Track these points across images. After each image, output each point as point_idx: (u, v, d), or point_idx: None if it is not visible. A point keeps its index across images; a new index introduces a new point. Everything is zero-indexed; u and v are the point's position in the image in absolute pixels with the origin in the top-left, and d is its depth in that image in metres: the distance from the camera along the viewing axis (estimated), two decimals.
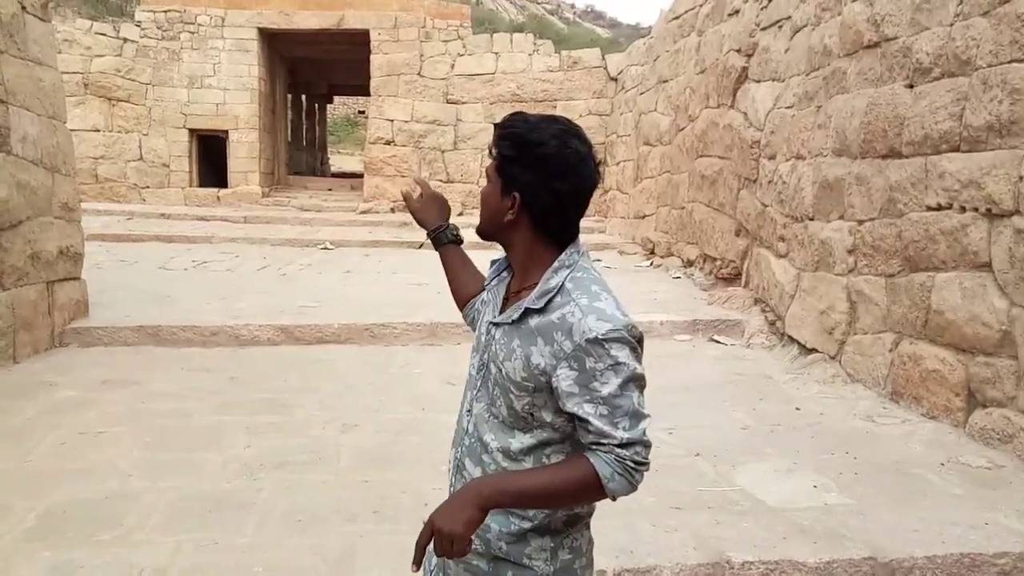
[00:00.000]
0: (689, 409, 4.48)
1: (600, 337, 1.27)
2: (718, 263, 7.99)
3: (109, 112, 15.12)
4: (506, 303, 1.46)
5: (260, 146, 15.67)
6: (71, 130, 14.83)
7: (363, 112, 29.14)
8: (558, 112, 15.49)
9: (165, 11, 15.08)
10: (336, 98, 32.36)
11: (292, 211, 15.15)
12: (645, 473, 1.31)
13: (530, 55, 15.48)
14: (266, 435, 3.87)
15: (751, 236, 7.19)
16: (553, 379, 1.31)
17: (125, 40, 15.10)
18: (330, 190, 17.76)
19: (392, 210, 15.16)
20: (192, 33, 15.13)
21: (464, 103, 15.43)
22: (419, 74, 15.38)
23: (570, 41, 16.18)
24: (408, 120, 15.36)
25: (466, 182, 15.52)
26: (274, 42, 16.19)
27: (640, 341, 1.33)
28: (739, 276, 7.54)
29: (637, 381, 1.31)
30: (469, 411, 1.48)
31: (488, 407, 1.43)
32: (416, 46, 15.34)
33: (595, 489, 1.29)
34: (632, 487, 1.30)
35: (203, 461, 3.49)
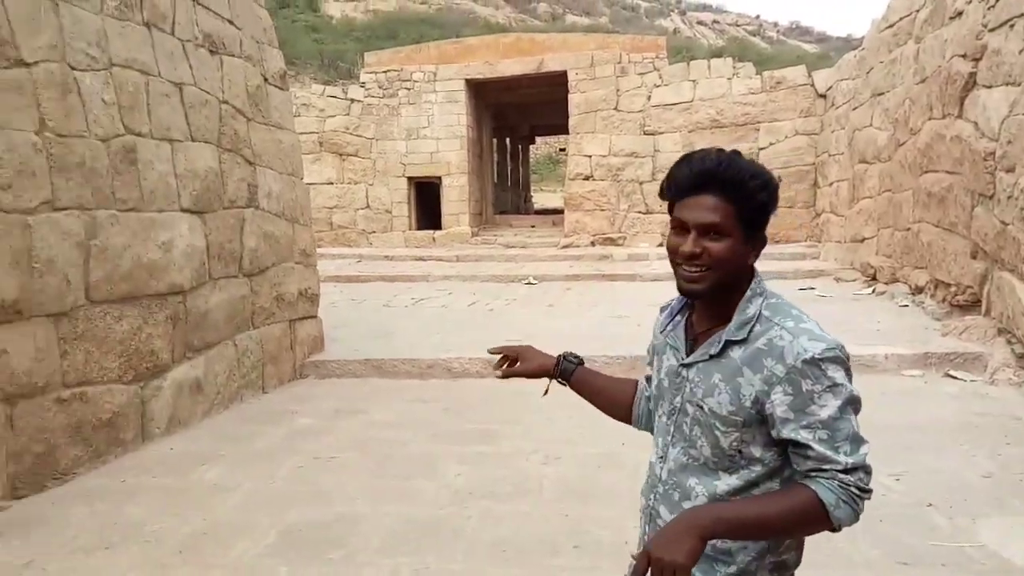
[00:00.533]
0: (920, 453, 4.06)
1: (816, 357, 1.24)
2: (952, 289, 7.19)
3: (340, 166, 16.84)
4: (695, 343, 1.42)
5: (469, 189, 16.63)
6: (309, 184, 16.64)
7: (564, 150, 29.97)
8: (762, 135, 14.97)
9: (385, 71, 16.59)
10: (538, 138, 33.62)
11: (498, 248, 15.85)
12: (864, 499, 1.26)
13: (729, 79, 15.08)
14: (475, 464, 4.07)
15: (990, 258, 6.41)
16: (767, 406, 1.27)
17: (352, 100, 16.79)
18: (533, 227, 18.37)
19: (592, 243, 15.34)
20: (408, 89, 16.49)
21: (661, 133, 15.34)
22: (616, 108, 15.54)
23: (774, 61, 15.58)
24: (606, 154, 15.54)
25: (665, 212, 15.30)
26: (480, 91, 17.18)
27: (848, 360, 1.29)
28: (977, 303, 6.73)
29: (854, 404, 1.27)
30: (662, 458, 1.45)
31: (686, 451, 1.39)
32: (612, 82, 15.54)
33: (818, 518, 1.24)
34: (856, 516, 1.25)
35: (419, 488, 3.73)
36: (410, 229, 16.77)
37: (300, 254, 6.71)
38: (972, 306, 6.82)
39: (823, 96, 14.61)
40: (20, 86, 3.74)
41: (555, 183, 34.70)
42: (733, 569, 1.34)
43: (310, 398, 5.79)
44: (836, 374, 1.25)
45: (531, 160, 37.55)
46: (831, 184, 13.64)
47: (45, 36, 3.95)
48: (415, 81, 16.45)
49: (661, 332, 1.52)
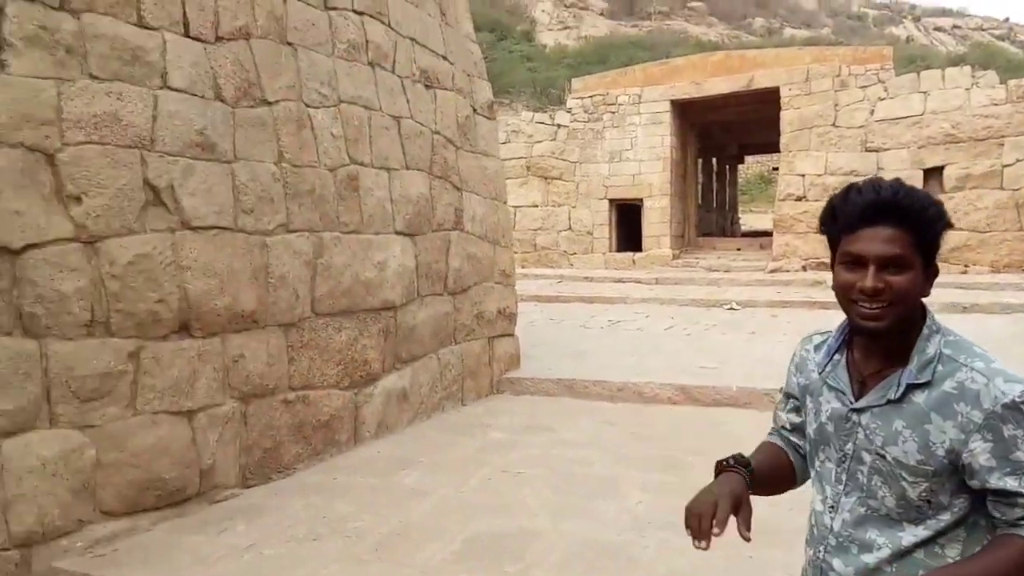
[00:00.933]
0: None
1: (1017, 400, 1.18)
2: None
3: (545, 189, 17.35)
4: (863, 386, 1.33)
5: (671, 211, 16.40)
6: (515, 207, 17.29)
7: (777, 168, 28.60)
8: (1007, 151, 13.30)
9: (591, 96, 16.89)
10: (749, 157, 32.33)
11: (700, 272, 15.46)
12: None
13: (967, 89, 13.61)
14: (657, 492, 4.00)
15: None
16: (964, 455, 1.20)
17: (559, 126, 17.28)
18: (738, 250, 17.70)
19: (803, 268, 14.47)
20: (613, 113, 16.65)
21: (886, 150, 14.16)
22: (833, 125, 14.60)
23: None
24: (821, 173, 14.63)
25: None
26: (685, 111, 16.93)
27: None
28: None
29: None
30: (833, 508, 1.37)
31: (863, 501, 1.31)
32: (830, 96, 14.64)
33: None
34: None
35: (599, 510, 3.75)
36: (610, 251, 16.85)
37: (500, 274, 7.00)
38: None
39: None
40: (263, 123, 4.31)
41: (766, 203, 33.15)
42: None
43: (504, 413, 6.01)
44: None
45: (740, 180, 36.24)
46: None
47: (285, 78, 4.51)
48: (619, 104, 16.57)
49: (818, 372, 1.42)
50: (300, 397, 4.42)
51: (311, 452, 4.52)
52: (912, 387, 1.25)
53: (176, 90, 3.75)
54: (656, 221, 16.44)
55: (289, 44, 4.58)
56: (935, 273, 1.30)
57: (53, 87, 3.22)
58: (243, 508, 3.70)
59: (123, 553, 3.15)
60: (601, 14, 59.38)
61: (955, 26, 65.71)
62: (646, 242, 16.59)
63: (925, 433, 1.22)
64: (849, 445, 1.33)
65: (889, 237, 1.24)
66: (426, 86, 6.03)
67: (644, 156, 16.39)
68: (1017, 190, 13.18)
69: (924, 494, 1.24)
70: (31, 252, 3.05)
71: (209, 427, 3.73)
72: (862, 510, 1.31)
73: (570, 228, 17.14)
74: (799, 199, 14.86)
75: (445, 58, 6.37)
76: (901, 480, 1.25)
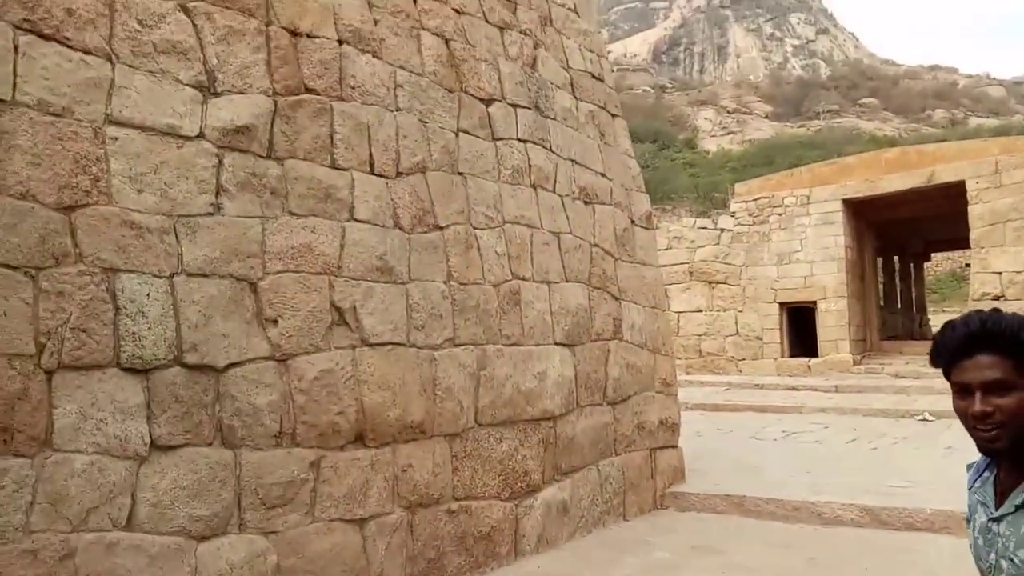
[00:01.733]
0: None
1: None
2: None
3: (710, 294, 17.03)
4: (1002, 498, 1.43)
5: (849, 313, 15.47)
6: (678, 312, 17.10)
7: (969, 265, 26.31)
8: None
9: (756, 199, 16.63)
10: (937, 254, 30.00)
11: (885, 379, 14.28)
12: None
13: None
14: None
15: None
16: None
17: (722, 230, 17.08)
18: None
19: None
20: (779, 215, 16.26)
21: None
22: None
23: None
24: (1020, 270, 13.30)
25: None
26: (859, 210, 16.20)
27: None
28: None
29: None
30: None
31: None
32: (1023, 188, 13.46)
33: None
34: None
35: None
36: (782, 356, 16.05)
37: (661, 383, 6.91)
38: None
39: None
40: (435, 246, 4.68)
41: (959, 303, 30.36)
42: None
43: (668, 530, 5.78)
44: None
45: (928, 278, 33.58)
46: None
47: (455, 204, 4.90)
48: (786, 206, 16.17)
49: (970, 489, 1.55)
50: (463, 507, 4.54)
51: (473, 563, 4.58)
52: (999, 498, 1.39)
53: (361, 221, 4.19)
54: (833, 324, 15.53)
55: (460, 174, 5.00)
56: None
57: (259, 224, 3.72)
58: None
59: None
60: (766, 117, 58.97)
61: None
62: (822, 347, 15.66)
63: None
64: (992, 555, 1.41)
65: (988, 363, 1.38)
66: (585, 202, 6.28)
67: (816, 257, 15.73)
68: None
69: None
70: (232, 370, 3.46)
71: (378, 535, 3.91)
72: None
73: (737, 333, 16.58)
74: (996, 299, 13.51)
75: (604, 175, 6.63)
76: None
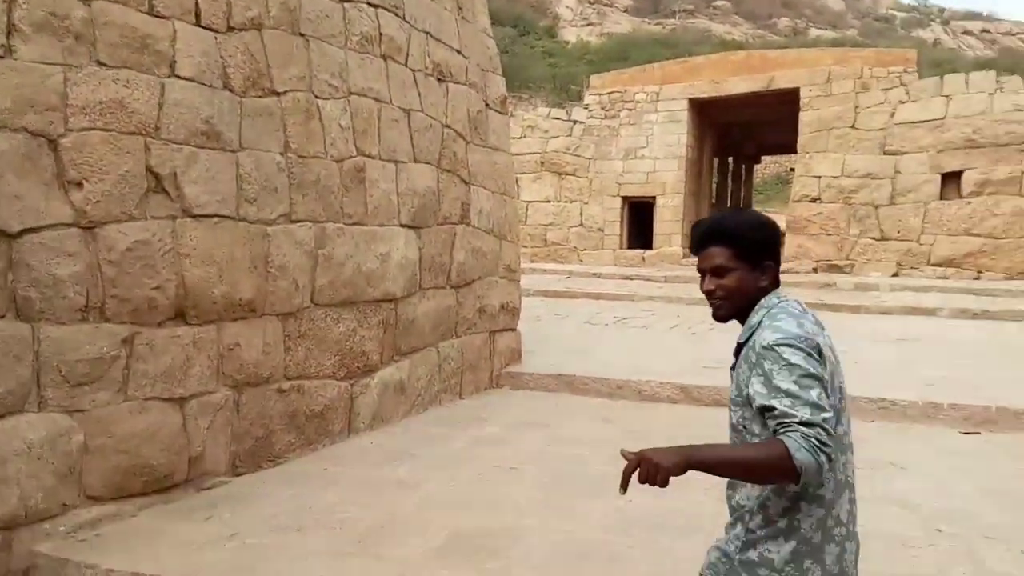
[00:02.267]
0: None
1: (772, 343, 1.57)
2: None
3: (559, 185, 17.32)
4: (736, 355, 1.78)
5: (683, 209, 16.32)
6: (527, 202, 17.32)
7: (794, 169, 28.40)
8: None
9: (609, 93, 16.83)
10: (766, 157, 32.05)
11: None
12: (827, 459, 1.47)
13: (991, 95, 13.43)
14: (647, 492, 3.98)
15: None
16: (749, 388, 1.60)
17: (575, 122, 17.23)
18: None
19: (815, 270, 14.38)
20: (630, 110, 16.58)
21: (904, 153, 14.02)
22: (852, 127, 14.47)
23: None
24: (837, 175, 14.51)
25: (903, 239, 13.98)
26: (703, 110, 16.83)
27: (817, 350, 1.57)
28: None
29: (812, 378, 1.53)
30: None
31: (730, 435, 1.76)
32: (850, 98, 14.50)
33: (784, 463, 1.45)
34: (818, 466, 1.45)
35: (587, 509, 3.76)
36: (620, 248, 16.80)
37: (505, 269, 7.01)
38: None
39: None
40: (271, 113, 4.33)
41: (781, 204, 32.86)
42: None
43: (501, 407, 6.03)
44: (791, 356, 1.55)
45: (756, 180, 35.94)
46: None
47: (295, 68, 4.53)
48: (637, 102, 16.50)
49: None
50: (295, 387, 4.46)
51: (304, 442, 4.56)
52: (739, 347, 1.72)
53: (184, 78, 3.77)
54: (668, 219, 16.37)
55: (302, 35, 4.59)
56: (771, 268, 1.73)
57: (60, 73, 3.26)
58: (230, 496, 3.74)
59: (106, 538, 3.19)
60: (625, 11, 58.98)
61: (984, 30, 64.62)
62: (657, 240, 16.52)
63: (739, 376, 1.68)
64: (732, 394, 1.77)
65: (716, 253, 1.72)
66: (439, 80, 6.03)
67: (659, 154, 16.32)
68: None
69: (740, 420, 1.67)
70: (28, 236, 3.10)
71: (200, 414, 3.77)
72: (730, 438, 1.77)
73: (581, 224, 17.11)
74: (813, 200, 14.74)
75: (460, 52, 6.37)
76: (730, 411, 1.72)
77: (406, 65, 5.58)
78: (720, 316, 1.76)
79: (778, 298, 1.70)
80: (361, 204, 5.02)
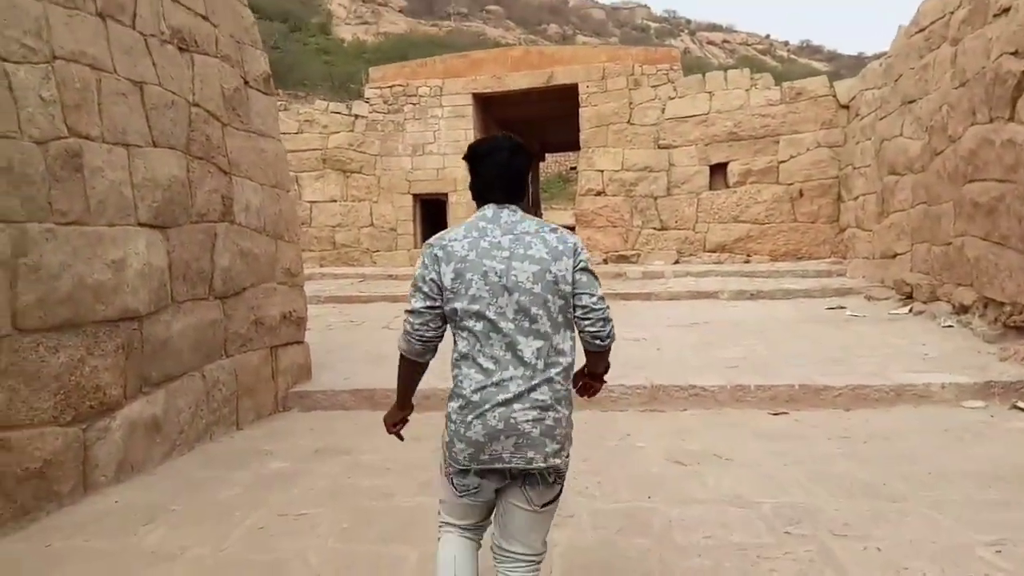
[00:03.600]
0: (1019, 512, 3.33)
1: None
2: (1006, 309, 6.48)
3: (344, 183, 16.30)
4: None
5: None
6: (311, 202, 16.10)
7: (574, 168, 29.43)
8: (781, 146, 14.34)
9: (391, 86, 16.09)
10: (549, 156, 33.02)
11: None
12: (411, 340, 2.11)
13: (747, 91, 14.47)
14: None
15: None
16: None
17: (356, 116, 16.29)
18: None
19: (604, 261, 14.68)
20: (414, 104, 15.97)
21: (676, 147, 14.73)
22: (628, 122, 14.96)
23: (784, 79, 15.08)
24: (618, 169, 14.94)
25: (681, 228, 14.69)
26: (487, 105, 16.64)
27: (431, 245, 2.01)
28: None
29: (414, 279, 2.05)
30: None
31: None
32: (625, 95, 14.97)
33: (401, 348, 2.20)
34: (404, 342, 2.16)
35: (398, 556, 3.07)
36: (415, 247, 16.16)
37: (284, 273, 6.08)
38: None
39: (846, 107, 13.99)
40: None
41: (566, 201, 34.18)
42: None
43: (289, 435, 5.14)
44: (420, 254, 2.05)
45: (541, 178, 37.00)
46: (856, 198, 12.97)
47: None
48: (421, 96, 15.94)
49: None
50: None
51: (16, 512, 3.42)
52: None
53: None
54: (463, 216, 15.95)
55: None
56: (473, 188, 2.18)
57: None
58: None
59: None
60: (400, 11, 58.49)
61: (725, 40, 72.15)
62: None
63: None
64: None
65: None
66: (180, 48, 4.99)
67: (448, 150, 15.88)
68: (791, 184, 14.22)
69: None
70: None
71: None
72: None
73: (372, 224, 16.24)
74: (599, 194, 15.08)
75: (206, 18, 5.36)
76: None
77: (134, 27, 4.51)
78: None
79: (473, 218, 2.06)
80: (80, 198, 3.91)
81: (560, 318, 1.96)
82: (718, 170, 14.66)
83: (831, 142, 14.03)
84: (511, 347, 1.90)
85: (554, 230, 2.02)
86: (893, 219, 10.78)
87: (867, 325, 8.31)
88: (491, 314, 1.91)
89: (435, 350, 2.11)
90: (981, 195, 7.09)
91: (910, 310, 8.92)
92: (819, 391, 5.34)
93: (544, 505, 1.99)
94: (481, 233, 1.96)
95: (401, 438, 2.47)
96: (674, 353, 6.92)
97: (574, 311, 1.97)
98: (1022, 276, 6.21)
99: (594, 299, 1.97)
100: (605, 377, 2.19)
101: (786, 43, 77.90)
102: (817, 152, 14.07)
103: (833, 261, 13.65)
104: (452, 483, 2.03)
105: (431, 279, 1.96)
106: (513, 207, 2.03)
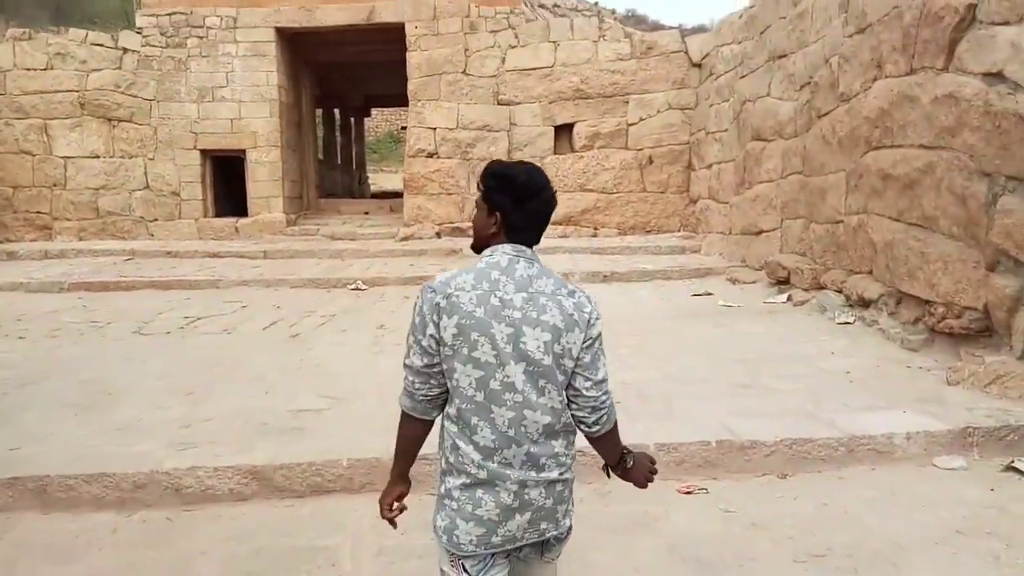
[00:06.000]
0: None
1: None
2: (937, 310, 5.20)
3: (110, 135, 13.01)
4: None
5: (284, 166, 13.37)
6: (66, 157, 12.68)
7: (407, 127, 26.97)
8: (631, 107, 12.92)
9: (170, 14, 12.93)
10: (379, 112, 30.26)
11: (321, 241, 12.79)
12: (415, 398, 1.77)
13: (595, 42, 12.88)
14: None
15: None
16: None
17: (125, 50, 13.00)
18: (366, 213, 15.38)
19: (438, 235, 12.68)
20: (201, 38, 12.94)
21: (518, 104, 12.91)
22: (464, 72, 12.91)
23: None
24: (453, 127, 12.90)
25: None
26: (296, 45, 13.92)
27: (432, 290, 1.71)
28: (986, 333, 4.76)
29: (412, 327, 1.75)
30: None
31: None
32: (460, 39, 12.89)
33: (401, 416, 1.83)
34: (407, 399, 1.79)
35: None
36: (204, 216, 13.27)
37: None
38: (977, 336, 4.83)
39: (698, 66, 12.77)
40: None
41: (398, 163, 31.58)
42: None
43: None
44: (416, 300, 1.75)
45: (372, 137, 34.17)
46: (710, 166, 11.81)
47: None
48: (209, 27, 12.92)
49: None
50: None
51: None
52: None
53: None
54: (265, 179, 13.27)
55: None
56: (496, 218, 1.76)
57: None
58: None
59: None
60: None
61: (556, 4, 71.55)
62: (253, 205, 13.34)
63: None
64: None
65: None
66: None
67: (245, 97, 13.04)
68: (641, 150, 12.86)
69: None
70: None
71: None
72: None
73: (148, 187, 13.10)
74: (431, 156, 12.97)
75: None
76: None
77: None
78: (472, 245, 1.85)
79: (491, 250, 1.76)
80: None
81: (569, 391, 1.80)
82: (563, 132, 13.03)
83: (683, 104, 12.80)
84: (516, 421, 1.69)
85: (572, 293, 1.76)
86: (758, 190, 9.61)
87: (749, 321, 6.94)
88: (496, 384, 1.68)
89: (443, 406, 1.77)
90: (895, 165, 5.79)
91: (788, 298, 7.68)
92: (744, 449, 3.69)
93: (557, 556, 1.86)
94: (492, 286, 1.70)
95: (395, 524, 1.85)
96: None
97: (566, 388, 1.75)
98: (962, 270, 4.92)
99: (589, 384, 1.74)
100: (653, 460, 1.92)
101: (613, 12, 78.87)
102: (668, 115, 12.80)
103: (684, 235, 12.50)
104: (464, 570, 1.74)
105: (431, 334, 1.69)
106: (531, 255, 1.77)
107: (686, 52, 12.81)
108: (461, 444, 1.69)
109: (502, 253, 1.72)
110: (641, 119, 12.80)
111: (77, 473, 3.39)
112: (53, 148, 12.84)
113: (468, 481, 1.68)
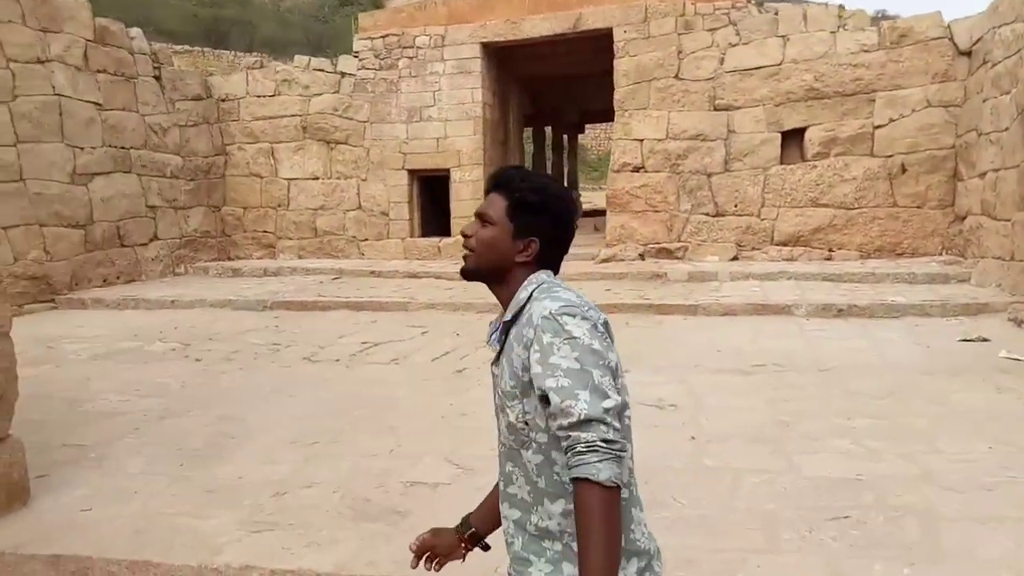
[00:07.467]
0: None
1: (553, 312, 1.30)
2: None
3: (328, 157, 13.47)
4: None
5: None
6: (290, 180, 13.23)
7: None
8: (878, 106, 10.81)
9: (383, 36, 13.14)
10: (602, 130, 29.68)
11: None
12: (623, 457, 1.23)
13: (833, 32, 11.02)
14: None
15: None
16: (530, 371, 1.31)
17: (343, 74, 13.41)
18: None
19: (641, 256, 11.52)
20: (411, 59, 12.98)
21: (738, 108, 11.39)
22: (676, 76, 11.67)
23: None
24: (662, 138, 11.69)
25: (742, 214, 11.40)
26: (502, 60, 13.55)
27: (605, 325, 1.35)
28: None
29: (593, 355, 1.27)
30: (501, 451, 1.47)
31: (501, 442, 1.45)
32: (672, 41, 11.68)
33: (606, 497, 1.19)
34: (618, 464, 1.21)
35: None
36: (411, 236, 13.27)
37: None
38: None
39: (966, 54, 10.43)
40: None
41: None
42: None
43: None
44: (574, 328, 1.29)
45: (592, 157, 33.69)
46: (983, 175, 9.49)
47: None
48: (419, 47, 12.93)
49: (488, 344, 1.50)
50: None
51: None
52: (508, 326, 1.41)
53: None
54: (468, 198, 12.97)
55: None
56: (532, 244, 1.43)
57: None
58: None
59: None
60: None
61: None
62: (456, 224, 13.10)
63: (511, 359, 1.36)
64: (496, 397, 1.44)
65: (491, 201, 1.48)
66: None
67: (451, 115, 12.88)
68: (890, 157, 10.75)
69: (520, 415, 1.35)
70: None
71: None
72: (502, 450, 1.45)
73: (360, 207, 13.38)
74: (636, 170, 11.87)
75: None
76: (506, 408, 1.38)
77: None
78: (464, 270, 1.52)
79: (548, 276, 1.45)
80: None
81: None
82: (792, 138, 11.28)
83: (946, 100, 10.52)
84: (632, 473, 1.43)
85: None
86: None
87: None
88: (628, 423, 1.40)
89: None
90: None
91: None
92: None
93: None
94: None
95: None
96: (719, 454, 3.83)
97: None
98: None
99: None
100: None
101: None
102: (926, 113, 10.58)
103: (948, 260, 10.20)
104: None
105: (617, 363, 1.36)
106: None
107: (950, 38, 10.54)
108: (635, 512, 1.39)
109: (548, 278, 1.46)
110: (891, 120, 10.70)
111: (122, 558, 2.81)
112: (279, 171, 13.55)
113: (648, 560, 1.37)
